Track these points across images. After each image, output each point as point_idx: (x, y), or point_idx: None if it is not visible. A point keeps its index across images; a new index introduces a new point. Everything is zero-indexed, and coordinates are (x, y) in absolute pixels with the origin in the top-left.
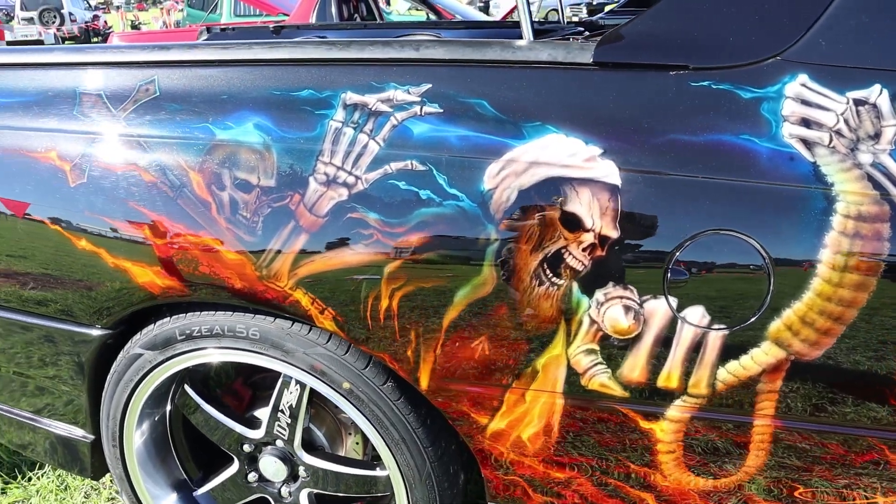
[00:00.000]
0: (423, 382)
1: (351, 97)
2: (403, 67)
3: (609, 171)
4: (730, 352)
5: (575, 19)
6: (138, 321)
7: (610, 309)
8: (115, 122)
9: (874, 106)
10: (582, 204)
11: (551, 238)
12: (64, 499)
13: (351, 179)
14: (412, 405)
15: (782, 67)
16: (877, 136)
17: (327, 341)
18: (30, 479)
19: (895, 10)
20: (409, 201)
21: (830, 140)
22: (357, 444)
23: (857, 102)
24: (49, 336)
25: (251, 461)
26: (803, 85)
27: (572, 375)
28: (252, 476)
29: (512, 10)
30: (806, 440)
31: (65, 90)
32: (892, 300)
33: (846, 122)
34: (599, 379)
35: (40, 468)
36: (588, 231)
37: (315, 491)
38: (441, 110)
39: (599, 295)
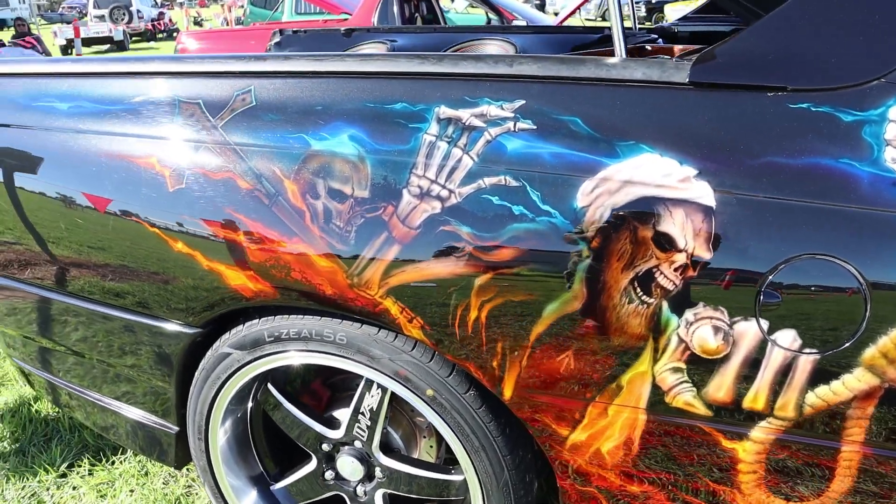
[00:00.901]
0: (507, 393)
1: (445, 111)
2: (497, 83)
3: (703, 193)
4: (821, 376)
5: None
6: (226, 320)
7: (699, 329)
8: (213, 131)
9: None
10: (675, 224)
11: (643, 257)
12: (144, 483)
13: (444, 193)
14: (493, 414)
15: (886, 90)
16: None
17: (412, 349)
18: (113, 462)
19: None
20: (502, 216)
21: None
22: (431, 447)
23: None
24: (142, 332)
25: (328, 460)
26: None
27: (657, 392)
28: (329, 474)
29: (573, 12)
30: (891, 467)
31: (164, 99)
32: None
33: None
34: (684, 397)
35: (122, 453)
36: (680, 251)
37: (389, 491)
38: (534, 127)
39: (689, 315)
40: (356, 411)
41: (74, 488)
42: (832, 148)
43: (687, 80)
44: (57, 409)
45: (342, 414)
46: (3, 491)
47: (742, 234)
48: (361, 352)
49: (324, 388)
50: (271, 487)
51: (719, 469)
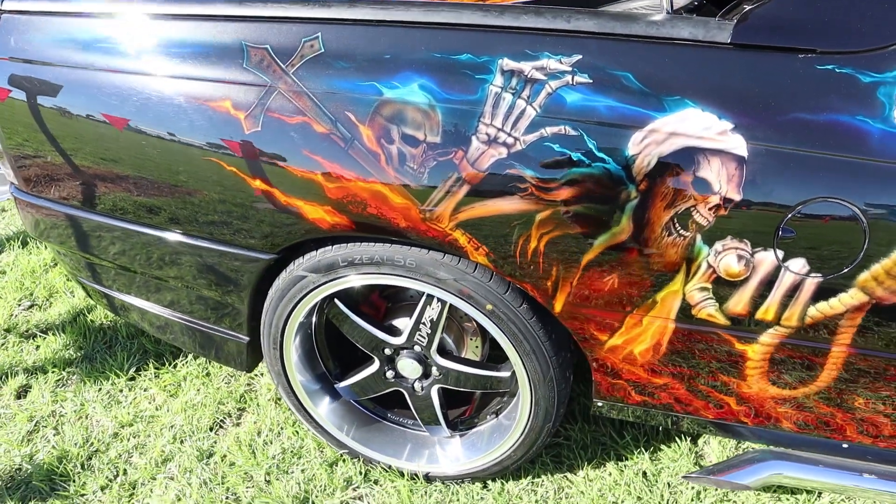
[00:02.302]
0: (558, 307)
1: (508, 64)
2: (556, 38)
3: (738, 144)
4: (822, 295)
5: None
6: (299, 246)
7: (726, 257)
8: (285, 77)
9: None
10: (712, 171)
11: (683, 198)
12: (207, 383)
13: (510, 140)
14: (542, 323)
15: None
16: None
17: (474, 270)
18: (175, 366)
19: None
20: (562, 161)
21: None
22: (476, 346)
23: None
24: (223, 258)
25: (389, 361)
26: None
27: (685, 306)
28: (390, 374)
29: None
30: (870, 363)
31: (231, 43)
32: None
33: None
34: (708, 310)
35: (184, 357)
36: (715, 194)
37: (443, 386)
38: (591, 81)
39: (718, 245)
40: (418, 321)
41: (145, 390)
42: (850, 106)
43: (729, 40)
44: (112, 318)
45: (401, 322)
46: (81, 392)
47: (768, 180)
48: (429, 274)
49: (381, 300)
50: (336, 385)
51: (730, 365)
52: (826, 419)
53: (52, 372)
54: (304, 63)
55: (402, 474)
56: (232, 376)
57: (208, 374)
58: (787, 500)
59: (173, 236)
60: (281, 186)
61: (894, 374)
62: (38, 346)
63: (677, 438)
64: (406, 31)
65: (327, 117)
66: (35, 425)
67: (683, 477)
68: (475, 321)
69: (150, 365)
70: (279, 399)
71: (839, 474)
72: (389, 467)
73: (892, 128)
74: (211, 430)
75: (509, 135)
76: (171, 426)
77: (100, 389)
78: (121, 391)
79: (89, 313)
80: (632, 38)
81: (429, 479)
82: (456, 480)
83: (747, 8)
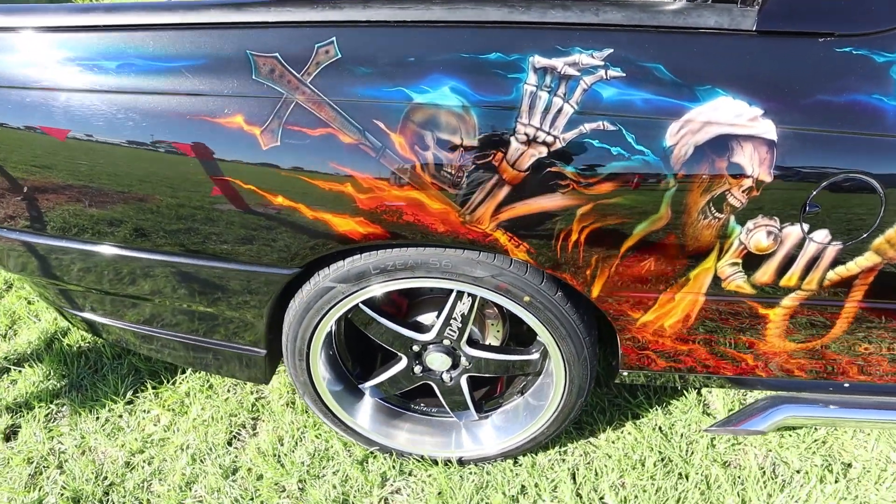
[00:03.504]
0: (595, 293)
1: (539, 61)
2: (585, 32)
3: (768, 129)
4: (841, 259)
5: None
6: (322, 258)
7: (756, 234)
8: (302, 87)
9: None
10: (745, 156)
11: (718, 183)
12: (211, 396)
13: (549, 139)
14: (575, 307)
15: None
16: None
17: (510, 265)
18: (175, 382)
19: None
20: (602, 157)
21: None
22: (498, 331)
23: None
24: (242, 277)
25: (417, 357)
26: None
27: (716, 281)
28: (418, 369)
29: None
30: (878, 314)
31: (235, 53)
32: None
33: None
34: (736, 282)
35: (182, 373)
36: (748, 177)
37: (472, 374)
38: (624, 74)
39: (749, 224)
40: (448, 317)
41: (147, 412)
42: (866, 85)
43: (754, 28)
44: (93, 340)
45: (425, 318)
46: (78, 424)
47: (796, 161)
48: (465, 273)
49: (400, 297)
50: (361, 385)
51: (751, 327)
52: (833, 364)
53: (39, 407)
54: (320, 71)
55: (435, 462)
56: (237, 385)
57: (211, 387)
58: (789, 435)
59: (187, 260)
60: (307, 201)
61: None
62: (14, 381)
63: (685, 392)
64: (429, 32)
65: (354, 127)
66: (35, 467)
67: (704, 430)
68: (501, 307)
69: (147, 385)
70: (293, 403)
71: (843, 411)
72: (422, 457)
73: None
74: (229, 444)
75: (549, 133)
76: (186, 446)
77: (97, 418)
78: (121, 417)
79: (64, 337)
80: (660, 28)
81: (462, 462)
82: (490, 461)
83: None
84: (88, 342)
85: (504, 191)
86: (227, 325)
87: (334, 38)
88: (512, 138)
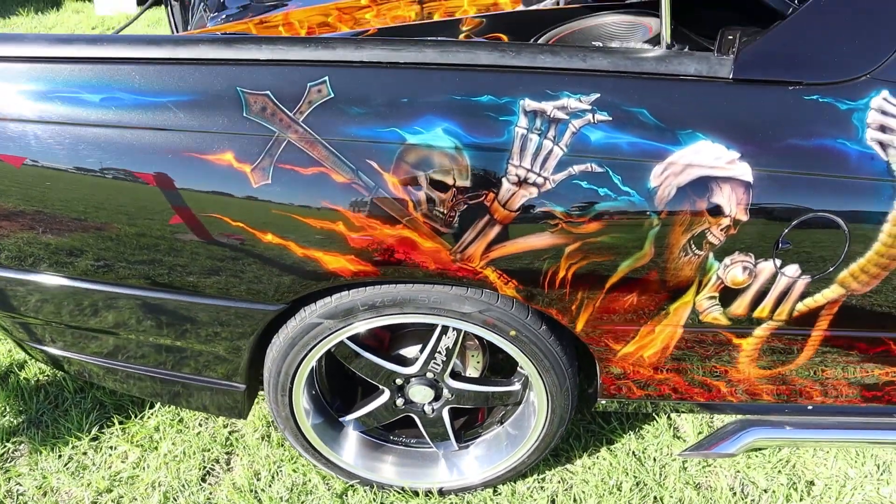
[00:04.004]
0: (579, 326)
1: (530, 104)
2: (573, 77)
3: (745, 171)
4: (809, 291)
5: None
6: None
7: (733, 269)
8: (294, 125)
9: None
10: (723, 197)
11: (698, 222)
12: (182, 430)
13: (540, 180)
14: (559, 340)
15: (870, 84)
16: None
17: (497, 301)
18: (142, 416)
19: None
20: (590, 197)
21: None
22: (478, 362)
23: None
24: (226, 313)
25: (399, 390)
26: (885, 99)
27: (694, 314)
28: (400, 401)
29: None
30: (841, 342)
31: (226, 90)
32: None
33: None
34: (713, 314)
35: (150, 407)
36: (726, 217)
37: (453, 406)
38: (610, 118)
39: (727, 260)
40: (433, 351)
41: (113, 448)
42: (832, 130)
43: (731, 76)
44: (52, 373)
45: (408, 351)
46: (39, 463)
47: (770, 201)
48: (453, 309)
49: (382, 331)
50: (341, 419)
51: (725, 355)
52: (798, 388)
53: None
54: (313, 110)
55: (416, 493)
56: (209, 419)
57: (181, 420)
58: (756, 456)
59: (173, 296)
60: (296, 239)
61: (859, 348)
62: None
63: (656, 417)
64: (422, 74)
65: (347, 167)
66: None
67: (678, 454)
68: (481, 338)
69: (114, 420)
70: (268, 436)
71: (807, 432)
72: (403, 488)
73: (865, 148)
74: (203, 480)
75: (539, 175)
76: (157, 484)
77: (60, 456)
78: (85, 454)
79: (20, 370)
80: (644, 74)
81: (442, 493)
82: (472, 490)
83: (736, 43)
84: (48, 375)
85: (495, 230)
86: (208, 361)
87: (327, 78)
88: (503, 179)
